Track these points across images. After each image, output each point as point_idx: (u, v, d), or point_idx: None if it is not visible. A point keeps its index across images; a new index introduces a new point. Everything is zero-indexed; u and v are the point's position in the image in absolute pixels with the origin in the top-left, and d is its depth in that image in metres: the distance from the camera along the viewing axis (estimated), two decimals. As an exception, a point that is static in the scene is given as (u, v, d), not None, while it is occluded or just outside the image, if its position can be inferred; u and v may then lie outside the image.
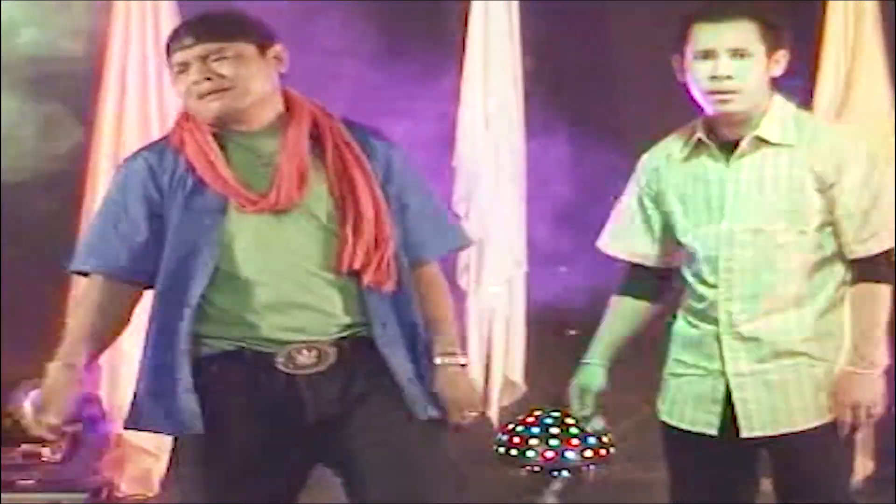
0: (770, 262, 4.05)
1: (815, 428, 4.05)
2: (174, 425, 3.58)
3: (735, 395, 4.10)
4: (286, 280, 3.60)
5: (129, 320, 3.75)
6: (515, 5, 7.30)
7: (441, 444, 3.87)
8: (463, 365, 3.95)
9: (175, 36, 3.73)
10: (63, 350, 3.61)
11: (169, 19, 7.07)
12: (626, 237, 4.26)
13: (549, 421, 6.01)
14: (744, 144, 4.04)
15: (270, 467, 3.67)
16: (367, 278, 3.60)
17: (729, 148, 4.07)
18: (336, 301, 3.66)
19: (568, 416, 6.21)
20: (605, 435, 5.58)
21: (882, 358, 4.10)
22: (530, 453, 5.95)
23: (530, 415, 6.01)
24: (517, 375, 7.03)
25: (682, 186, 4.18)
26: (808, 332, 4.06)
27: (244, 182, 3.60)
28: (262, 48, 3.66)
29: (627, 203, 4.28)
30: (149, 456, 6.66)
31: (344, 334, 3.68)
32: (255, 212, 3.58)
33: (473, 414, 3.99)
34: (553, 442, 5.99)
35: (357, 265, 3.61)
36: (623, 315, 4.27)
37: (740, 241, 4.07)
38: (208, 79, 3.55)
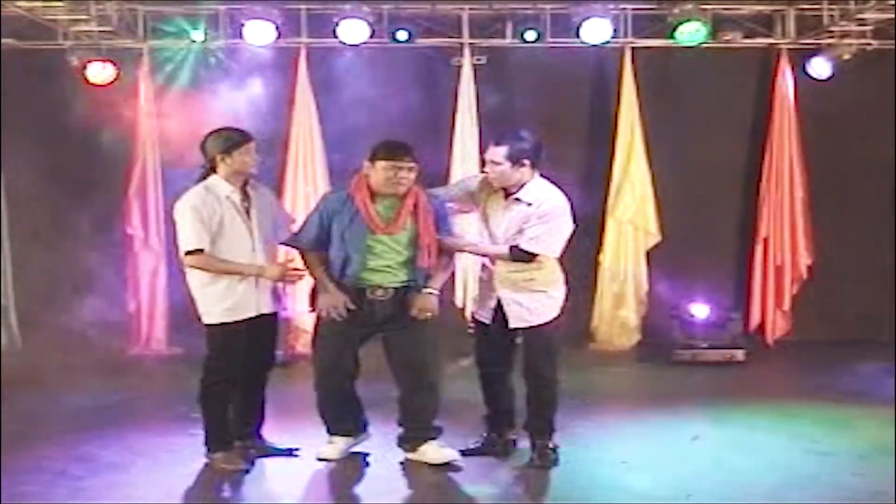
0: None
1: (539, 325, 5.36)
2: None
3: (504, 308, 5.39)
4: (384, 261, 5.28)
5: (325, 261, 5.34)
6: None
7: (430, 334, 5.40)
8: (431, 293, 5.39)
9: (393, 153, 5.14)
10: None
11: (317, 115, 8.92)
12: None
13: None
14: (512, 199, 5.29)
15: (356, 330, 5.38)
16: (422, 264, 5.25)
17: (504, 198, 5.33)
18: (400, 271, 5.28)
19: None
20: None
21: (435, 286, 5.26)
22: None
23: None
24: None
25: (482, 203, 5.45)
26: (536, 281, 5.32)
27: (380, 217, 5.24)
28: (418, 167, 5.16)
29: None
30: (306, 333, 7.65)
31: (398, 285, 5.31)
32: (381, 232, 5.26)
33: (429, 314, 5.38)
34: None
35: (425, 263, 5.25)
36: None
37: (504, 239, 5.30)
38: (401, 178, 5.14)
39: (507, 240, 5.30)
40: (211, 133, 5.41)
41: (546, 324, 5.38)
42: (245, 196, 5.41)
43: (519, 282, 5.33)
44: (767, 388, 8.04)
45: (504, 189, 5.30)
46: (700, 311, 8.84)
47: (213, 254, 5.28)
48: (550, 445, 5.48)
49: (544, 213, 5.21)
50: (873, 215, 9.56)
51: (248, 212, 5.40)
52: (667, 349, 8.77)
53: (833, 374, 8.13)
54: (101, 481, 5.35)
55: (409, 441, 5.59)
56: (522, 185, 5.25)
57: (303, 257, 5.53)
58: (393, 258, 5.34)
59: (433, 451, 5.54)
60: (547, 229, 5.21)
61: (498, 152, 5.21)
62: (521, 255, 5.25)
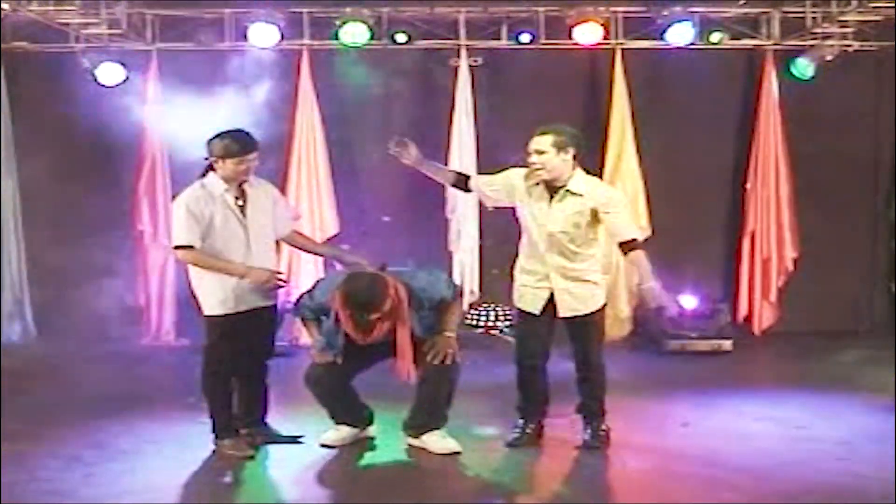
0: (567, 241, 5.17)
1: (581, 315, 5.26)
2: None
3: (556, 298, 5.30)
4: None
5: None
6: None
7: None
8: (450, 336, 5.28)
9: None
10: None
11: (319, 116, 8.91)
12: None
13: (487, 309, 8.65)
14: (561, 192, 5.12)
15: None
16: (402, 376, 5.10)
17: (550, 191, 5.19)
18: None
19: (497, 307, 8.40)
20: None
21: (650, 280, 5.07)
22: (480, 324, 8.64)
23: (478, 306, 8.70)
24: (475, 289, 8.92)
25: (525, 198, 5.25)
26: (586, 271, 5.26)
27: (359, 332, 5.00)
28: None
29: (500, 187, 5.33)
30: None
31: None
32: (362, 342, 5.05)
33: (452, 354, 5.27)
34: (489, 320, 8.62)
35: (404, 375, 5.10)
36: None
37: (556, 234, 5.20)
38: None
39: (562, 232, 5.21)
40: (218, 134, 5.32)
41: (594, 312, 5.34)
42: (241, 194, 5.33)
43: (570, 272, 5.26)
44: (754, 376, 8.03)
45: (546, 183, 5.20)
46: (689, 302, 8.80)
47: (203, 250, 5.23)
48: (604, 427, 5.45)
49: (607, 201, 5.16)
50: (855, 211, 9.59)
51: (242, 210, 5.33)
52: (657, 339, 8.74)
53: (817, 363, 8.12)
54: (112, 467, 5.33)
55: (413, 427, 5.49)
56: (569, 178, 5.16)
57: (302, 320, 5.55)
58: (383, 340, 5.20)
59: (435, 441, 5.44)
60: (623, 214, 5.21)
61: (543, 141, 5.10)
62: (629, 247, 5.18)
